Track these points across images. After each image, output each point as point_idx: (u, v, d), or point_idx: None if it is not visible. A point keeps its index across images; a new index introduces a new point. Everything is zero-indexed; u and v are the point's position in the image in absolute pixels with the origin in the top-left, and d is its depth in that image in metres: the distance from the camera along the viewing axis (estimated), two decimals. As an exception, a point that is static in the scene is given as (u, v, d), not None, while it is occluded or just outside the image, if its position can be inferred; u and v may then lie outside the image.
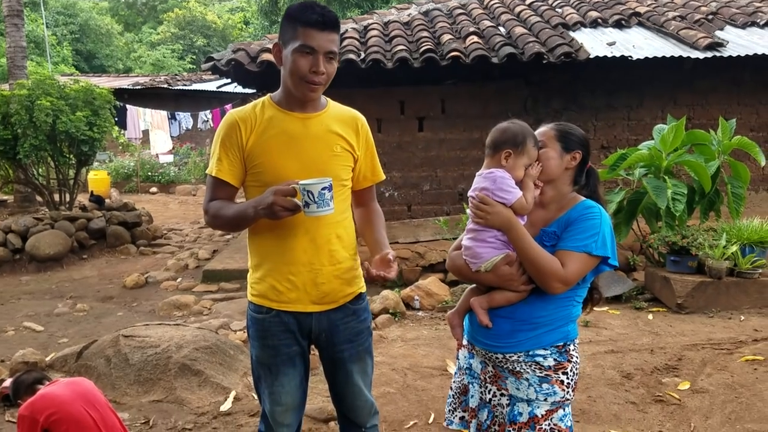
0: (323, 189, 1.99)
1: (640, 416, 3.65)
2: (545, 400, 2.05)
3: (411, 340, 5.13)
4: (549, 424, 2.05)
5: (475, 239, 2.08)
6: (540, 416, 2.05)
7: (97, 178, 14.15)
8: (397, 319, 5.73)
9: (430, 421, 3.66)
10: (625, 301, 6.00)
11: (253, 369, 2.37)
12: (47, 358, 4.56)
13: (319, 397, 3.88)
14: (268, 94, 2.26)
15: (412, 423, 3.64)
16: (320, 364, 2.46)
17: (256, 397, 3.81)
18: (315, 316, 2.25)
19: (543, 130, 2.16)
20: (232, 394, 4.00)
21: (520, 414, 2.07)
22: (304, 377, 2.35)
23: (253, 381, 2.40)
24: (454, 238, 7.08)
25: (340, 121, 2.27)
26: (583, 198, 2.11)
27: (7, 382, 3.66)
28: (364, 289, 2.39)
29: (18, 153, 9.11)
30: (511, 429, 2.07)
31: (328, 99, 2.31)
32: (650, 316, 5.56)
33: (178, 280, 8.11)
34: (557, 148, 2.10)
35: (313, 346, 2.40)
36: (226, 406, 3.88)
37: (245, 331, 5.48)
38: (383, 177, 2.46)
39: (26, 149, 8.98)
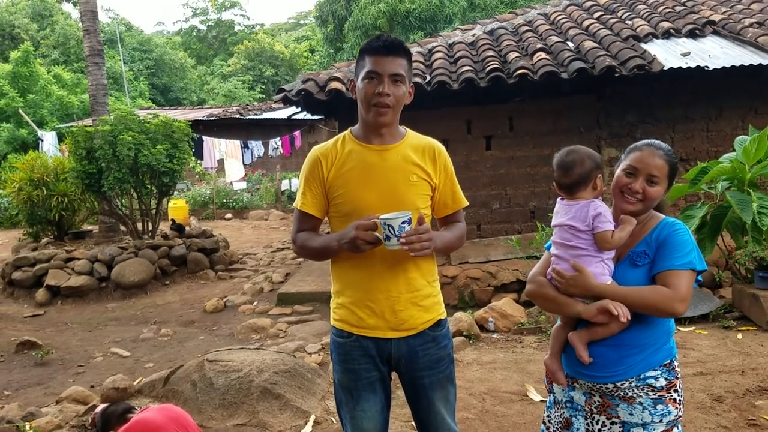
0: (403, 223, 2.07)
1: (735, 443, 3.48)
2: (660, 421, 2.02)
3: (487, 363, 5.06)
4: None
5: (584, 264, 2.05)
6: None
7: (177, 206, 14.71)
8: (471, 341, 5.67)
9: (512, 446, 3.59)
10: (713, 320, 5.74)
11: (335, 392, 2.42)
12: (135, 383, 4.74)
13: (397, 421, 3.87)
14: (349, 128, 2.35)
15: (493, 449, 3.58)
16: (398, 389, 2.47)
17: (335, 420, 3.86)
18: (394, 343, 2.28)
19: (659, 163, 2.07)
20: (312, 417, 4.05)
21: None
22: (385, 404, 2.37)
23: (335, 404, 2.44)
24: (527, 257, 7.06)
25: (417, 150, 2.32)
26: (662, 216, 2.12)
27: (99, 408, 3.82)
28: (444, 316, 2.40)
29: (102, 186, 9.59)
30: None
31: (408, 129, 2.37)
32: (739, 336, 5.30)
33: (255, 303, 8.31)
34: (665, 186, 2.08)
35: (394, 373, 2.42)
36: (306, 430, 3.92)
37: (320, 353, 5.58)
38: (466, 203, 2.45)
39: (110, 182, 9.44)
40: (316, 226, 2.38)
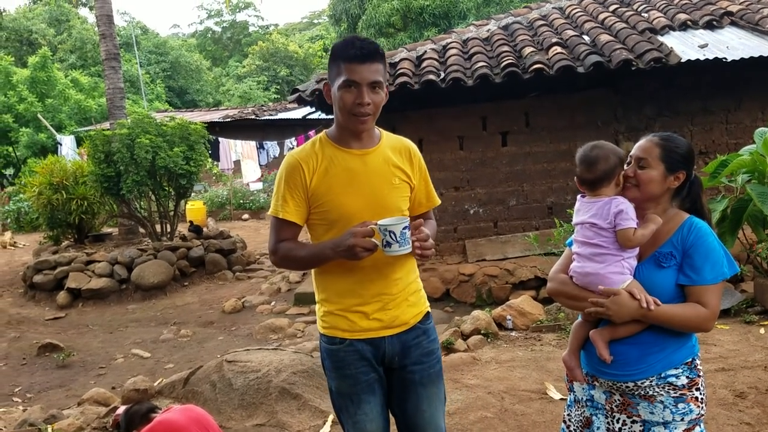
0: (404, 228, 2.07)
1: (759, 440, 3.43)
2: (682, 419, 2.00)
3: (506, 362, 5.03)
4: None
5: (605, 263, 2.03)
6: None
7: (194, 208, 14.81)
8: (489, 340, 5.64)
9: (532, 445, 3.57)
10: (734, 315, 5.67)
11: (333, 400, 2.38)
12: (155, 384, 4.77)
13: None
14: (324, 131, 2.32)
15: (513, 447, 3.56)
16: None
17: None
18: (387, 340, 2.27)
19: (646, 146, 2.08)
20: (330, 417, 4.05)
21: None
22: (385, 404, 2.35)
23: (334, 412, 2.41)
24: (545, 254, 7.00)
25: (395, 150, 2.31)
26: (687, 214, 2.08)
27: (120, 410, 3.86)
28: (429, 308, 2.41)
29: (121, 189, 9.69)
30: None
31: (381, 130, 2.35)
32: (762, 330, 5.22)
33: (272, 303, 8.36)
34: (661, 170, 2.04)
35: None
36: (325, 430, 3.93)
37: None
38: (438, 202, 2.49)
39: (129, 185, 9.54)
40: (296, 235, 2.31)
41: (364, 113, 2.13)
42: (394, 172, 2.27)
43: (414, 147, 2.38)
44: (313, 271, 2.34)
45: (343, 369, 2.27)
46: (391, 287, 2.25)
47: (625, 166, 2.11)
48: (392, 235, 2.06)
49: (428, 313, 2.39)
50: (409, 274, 2.32)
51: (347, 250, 2.07)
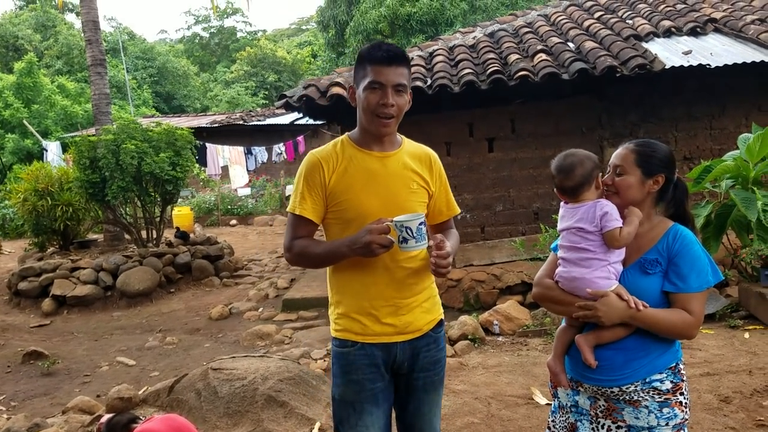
0: (420, 224, 2.08)
1: (743, 444, 3.45)
2: (667, 424, 2.01)
3: (492, 367, 5.04)
4: None
5: (591, 268, 2.05)
6: None
7: (181, 213, 14.73)
8: (476, 345, 5.65)
9: (518, 451, 3.57)
10: (719, 320, 5.71)
11: (334, 411, 2.36)
12: (140, 393, 4.73)
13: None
14: (346, 134, 2.34)
15: (499, 453, 3.56)
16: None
17: None
18: (399, 346, 2.27)
19: (622, 153, 2.11)
20: (317, 425, 4.04)
21: None
22: (388, 419, 2.34)
23: (334, 424, 2.37)
24: (531, 259, 7.02)
25: (414, 157, 2.33)
26: (671, 222, 2.10)
27: (104, 419, 3.82)
28: (443, 316, 2.42)
29: (106, 195, 9.61)
30: None
31: (403, 137, 2.37)
32: (746, 335, 5.27)
33: (260, 309, 8.31)
34: (638, 175, 2.07)
35: None
36: (311, 438, 3.91)
37: (325, 359, 5.56)
38: (458, 211, 2.50)
39: (114, 191, 9.46)
40: (312, 233, 2.31)
41: (388, 114, 2.16)
42: (412, 176, 2.29)
43: (435, 155, 2.41)
44: (327, 273, 2.35)
45: (350, 374, 2.27)
46: (404, 291, 2.25)
47: (606, 174, 2.14)
48: (408, 230, 2.07)
49: (442, 320, 2.40)
50: (423, 279, 2.31)
51: (364, 246, 2.09)
